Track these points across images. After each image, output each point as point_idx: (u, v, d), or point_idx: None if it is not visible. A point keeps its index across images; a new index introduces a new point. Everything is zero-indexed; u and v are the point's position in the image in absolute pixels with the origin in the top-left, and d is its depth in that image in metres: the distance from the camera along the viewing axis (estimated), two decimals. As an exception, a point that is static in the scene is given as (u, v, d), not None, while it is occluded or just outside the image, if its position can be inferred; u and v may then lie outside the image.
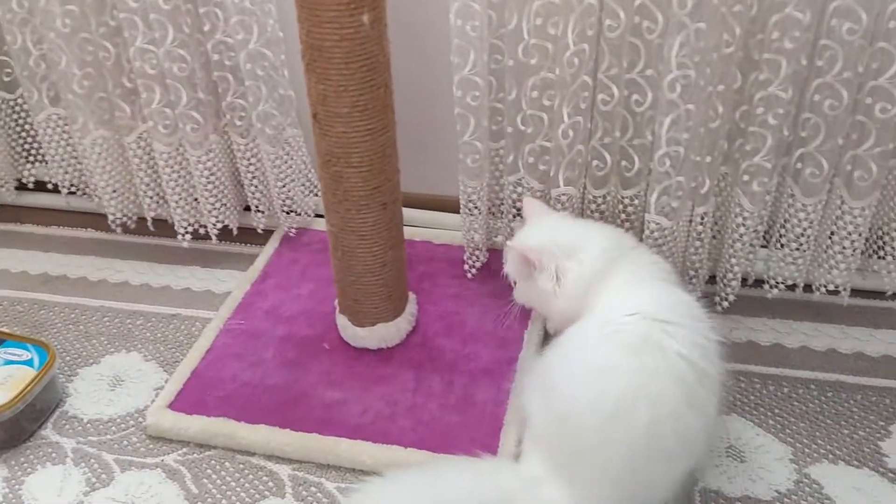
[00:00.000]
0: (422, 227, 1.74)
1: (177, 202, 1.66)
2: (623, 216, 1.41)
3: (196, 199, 1.67)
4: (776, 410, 1.32)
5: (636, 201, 1.38)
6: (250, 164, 1.63)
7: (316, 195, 1.75)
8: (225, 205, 1.69)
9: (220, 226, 1.70)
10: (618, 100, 1.29)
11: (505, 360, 1.40)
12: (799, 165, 1.32)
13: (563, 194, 1.37)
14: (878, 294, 1.51)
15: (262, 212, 1.72)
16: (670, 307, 1.09)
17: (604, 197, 1.40)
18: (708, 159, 1.29)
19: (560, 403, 1.07)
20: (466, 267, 1.60)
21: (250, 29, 1.43)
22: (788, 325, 1.48)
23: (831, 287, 1.45)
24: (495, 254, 1.63)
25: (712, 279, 1.51)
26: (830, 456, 1.24)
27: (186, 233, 1.70)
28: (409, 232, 1.67)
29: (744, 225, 1.36)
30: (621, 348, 1.04)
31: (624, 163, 1.36)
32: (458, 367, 1.40)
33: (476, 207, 1.51)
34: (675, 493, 1.13)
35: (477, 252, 1.58)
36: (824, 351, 1.42)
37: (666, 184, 1.27)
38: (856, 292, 1.51)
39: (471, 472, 1.15)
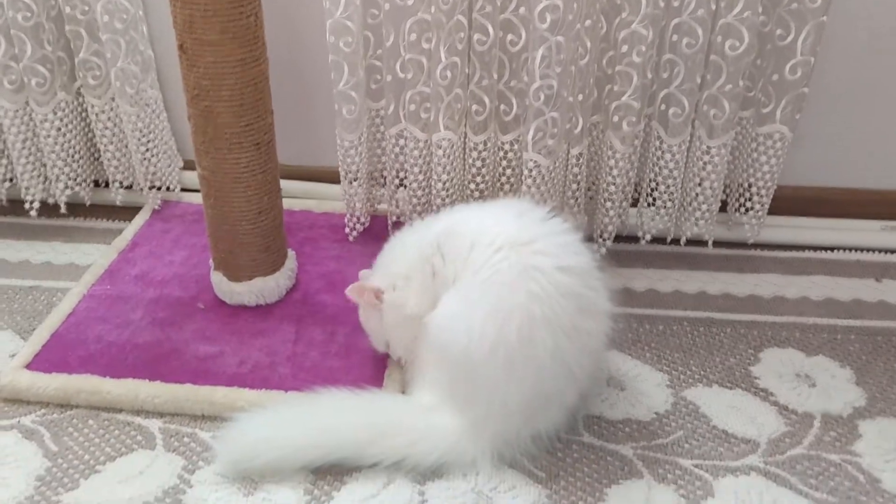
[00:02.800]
0: (302, 198, 1.71)
1: (24, 167, 1.56)
2: (504, 163, 1.43)
3: (44, 165, 1.57)
4: (652, 345, 1.35)
5: (515, 146, 1.41)
6: (106, 128, 1.56)
7: (183, 168, 1.69)
8: (76, 171, 1.60)
9: (68, 192, 1.61)
10: (493, 40, 1.31)
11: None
12: (663, 107, 1.39)
13: (444, 139, 1.37)
14: (742, 244, 1.59)
15: (121, 183, 1.64)
16: (526, 226, 1.09)
17: (484, 143, 1.41)
18: (580, 98, 1.33)
19: (462, 354, 1.05)
20: (347, 230, 1.58)
21: (107, -21, 1.38)
22: (662, 273, 1.53)
23: (696, 235, 1.51)
24: (377, 219, 1.62)
25: (589, 239, 1.54)
26: (705, 380, 1.28)
27: (34, 201, 1.60)
28: (288, 203, 1.63)
29: (616, 167, 1.40)
30: (505, 287, 1.04)
31: (503, 107, 1.38)
32: (340, 319, 1.36)
33: (355, 171, 1.49)
34: (565, 418, 1.14)
35: (358, 216, 1.56)
36: (695, 293, 1.47)
37: (541, 120, 1.29)
38: (723, 243, 1.58)
39: (354, 399, 1.11)
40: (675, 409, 1.22)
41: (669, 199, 1.46)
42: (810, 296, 1.47)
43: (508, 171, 1.43)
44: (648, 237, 1.53)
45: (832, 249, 1.59)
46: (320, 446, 1.07)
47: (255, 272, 1.35)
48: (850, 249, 1.59)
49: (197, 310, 1.38)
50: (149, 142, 1.57)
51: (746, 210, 1.52)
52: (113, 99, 1.52)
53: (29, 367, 1.24)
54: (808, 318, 1.41)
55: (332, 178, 1.63)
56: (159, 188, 1.65)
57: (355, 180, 1.50)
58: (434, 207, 1.46)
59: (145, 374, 1.23)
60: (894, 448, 1.15)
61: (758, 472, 1.11)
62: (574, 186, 1.42)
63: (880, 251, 1.59)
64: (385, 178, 1.55)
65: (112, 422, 1.18)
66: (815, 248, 1.60)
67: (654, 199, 1.49)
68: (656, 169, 1.45)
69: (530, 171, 1.34)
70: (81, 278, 1.45)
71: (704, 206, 1.47)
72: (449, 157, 1.40)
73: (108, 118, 1.56)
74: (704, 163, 1.42)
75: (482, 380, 1.06)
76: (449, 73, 1.31)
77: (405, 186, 1.50)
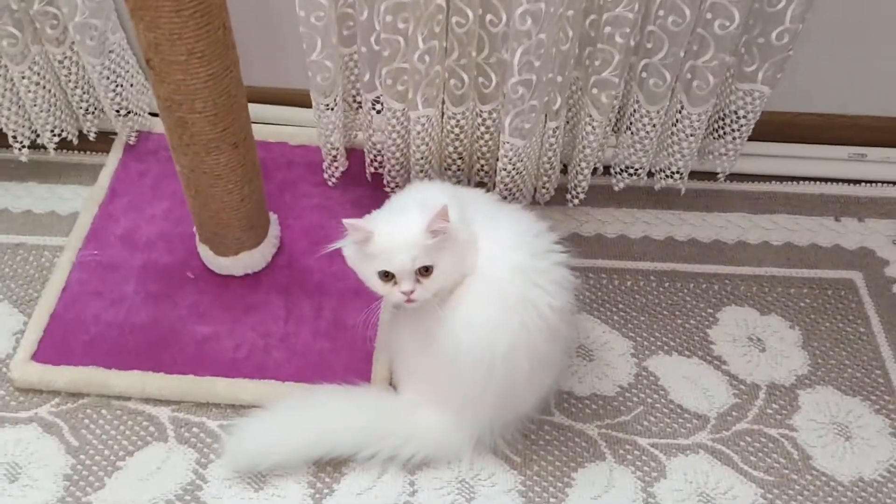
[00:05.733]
0: (275, 124, 1.68)
1: (8, 115, 1.52)
2: (482, 129, 1.42)
3: (27, 112, 1.54)
4: (620, 305, 1.44)
5: (494, 115, 1.39)
6: (71, 73, 1.51)
7: (149, 93, 1.64)
8: (58, 117, 1.57)
9: (57, 139, 1.59)
10: (472, 20, 1.25)
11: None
12: (644, 75, 1.36)
13: (423, 116, 1.35)
14: (712, 176, 1.62)
15: (93, 113, 1.60)
16: (536, 253, 1.15)
17: (463, 113, 1.39)
18: (559, 79, 1.30)
19: (452, 352, 1.14)
20: (326, 176, 1.58)
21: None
22: (632, 213, 1.58)
23: (672, 171, 1.54)
24: (356, 156, 1.61)
25: (564, 168, 1.56)
26: (665, 347, 1.39)
27: (23, 147, 1.58)
28: (262, 132, 1.61)
29: (593, 133, 1.41)
30: (505, 309, 1.11)
31: (481, 80, 1.34)
32: (326, 288, 1.42)
33: (331, 110, 1.46)
34: (536, 406, 1.27)
35: (335, 153, 1.54)
36: (663, 239, 1.54)
37: (519, 108, 1.28)
38: (693, 174, 1.61)
39: (348, 399, 1.23)
40: (637, 381, 1.35)
41: (647, 146, 1.47)
42: (770, 240, 1.55)
43: (486, 136, 1.43)
44: (623, 176, 1.55)
45: (798, 180, 1.64)
46: (320, 446, 1.20)
47: (240, 248, 1.39)
48: (815, 181, 1.64)
49: (187, 279, 1.43)
50: (117, 85, 1.52)
51: (722, 138, 1.52)
52: (72, 45, 1.45)
53: (35, 357, 1.31)
54: (767, 268, 1.51)
55: (303, 101, 1.58)
56: (129, 114, 1.62)
57: (330, 113, 1.46)
58: (414, 172, 1.46)
59: (148, 362, 1.31)
60: (827, 423, 1.30)
61: (705, 450, 1.27)
62: (549, 154, 1.43)
63: (844, 182, 1.65)
64: (360, 104, 1.50)
65: (124, 411, 1.28)
66: (782, 179, 1.64)
67: (633, 142, 1.49)
68: (634, 129, 1.45)
69: (507, 151, 1.35)
70: (68, 241, 1.47)
71: (681, 159, 1.49)
72: (427, 130, 1.38)
73: (73, 63, 1.49)
74: (683, 126, 1.42)
75: (465, 381, 1.16)
76: (427, 57, 1.26)
77: (380, 112, 1.46)
